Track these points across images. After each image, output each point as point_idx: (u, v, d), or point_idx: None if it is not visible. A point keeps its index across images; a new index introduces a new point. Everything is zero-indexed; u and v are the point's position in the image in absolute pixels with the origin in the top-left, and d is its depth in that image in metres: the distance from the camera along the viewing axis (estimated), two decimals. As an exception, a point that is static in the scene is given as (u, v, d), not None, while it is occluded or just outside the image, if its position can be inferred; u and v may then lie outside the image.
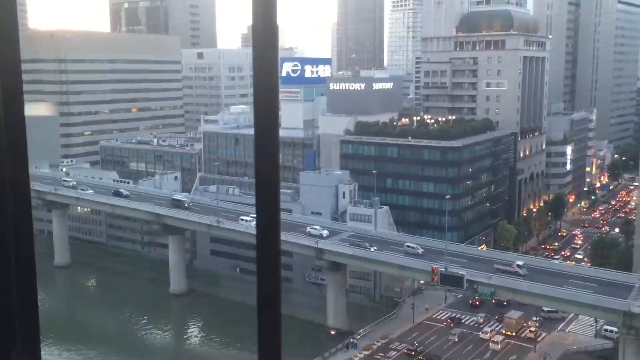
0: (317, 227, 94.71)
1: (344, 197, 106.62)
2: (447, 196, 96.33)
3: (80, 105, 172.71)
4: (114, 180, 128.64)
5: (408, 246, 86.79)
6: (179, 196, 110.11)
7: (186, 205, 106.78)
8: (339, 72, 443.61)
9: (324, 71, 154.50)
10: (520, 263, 77.60)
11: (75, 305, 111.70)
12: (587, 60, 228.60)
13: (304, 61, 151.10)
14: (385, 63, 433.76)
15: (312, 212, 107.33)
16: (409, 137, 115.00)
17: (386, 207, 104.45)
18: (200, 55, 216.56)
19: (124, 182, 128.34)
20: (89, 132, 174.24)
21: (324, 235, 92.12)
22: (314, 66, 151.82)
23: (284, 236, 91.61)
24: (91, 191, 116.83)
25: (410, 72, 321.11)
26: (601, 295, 70.03)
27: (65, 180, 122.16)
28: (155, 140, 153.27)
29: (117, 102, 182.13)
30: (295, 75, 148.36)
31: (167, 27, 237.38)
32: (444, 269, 78.60)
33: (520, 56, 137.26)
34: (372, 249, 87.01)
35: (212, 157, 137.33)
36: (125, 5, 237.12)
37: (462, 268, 78.49)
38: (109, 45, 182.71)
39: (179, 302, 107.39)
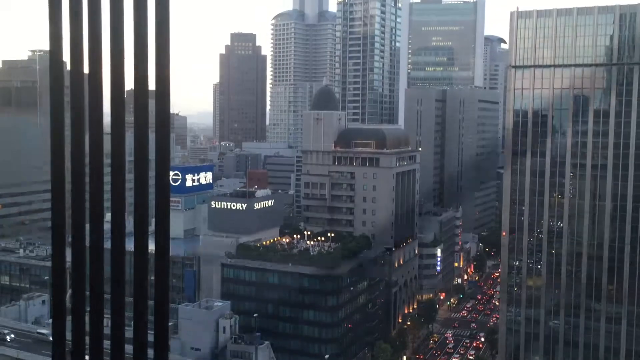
0: None
1: (224, 332, 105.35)
2: (327, 356, 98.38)
3: None
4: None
5: None
6: None
7: None
8: (221, 143, 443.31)
9: (205, 178, 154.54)
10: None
11: None
12: (454, 151, 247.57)
13: (185, 170, 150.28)
14: (267, 127, 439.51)
15: (192, 348, 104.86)
16: (290, 264, 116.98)
17: (267, 342, 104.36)
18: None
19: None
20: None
21: None
22: (195, 174, 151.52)
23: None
24: None
25: (292, 144, 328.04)
26: None
27: None
28: (21, 250, 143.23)
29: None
30: (175, 184, 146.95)
31: (41, 107, 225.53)
32: None
33: (394, 173, 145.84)
34: None
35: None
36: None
37: None
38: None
39: None
